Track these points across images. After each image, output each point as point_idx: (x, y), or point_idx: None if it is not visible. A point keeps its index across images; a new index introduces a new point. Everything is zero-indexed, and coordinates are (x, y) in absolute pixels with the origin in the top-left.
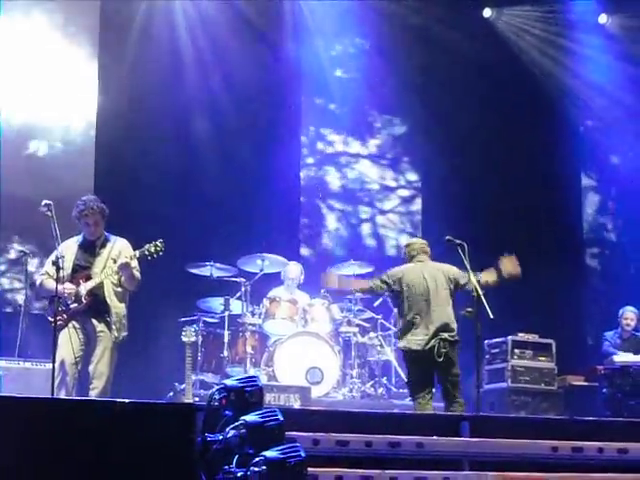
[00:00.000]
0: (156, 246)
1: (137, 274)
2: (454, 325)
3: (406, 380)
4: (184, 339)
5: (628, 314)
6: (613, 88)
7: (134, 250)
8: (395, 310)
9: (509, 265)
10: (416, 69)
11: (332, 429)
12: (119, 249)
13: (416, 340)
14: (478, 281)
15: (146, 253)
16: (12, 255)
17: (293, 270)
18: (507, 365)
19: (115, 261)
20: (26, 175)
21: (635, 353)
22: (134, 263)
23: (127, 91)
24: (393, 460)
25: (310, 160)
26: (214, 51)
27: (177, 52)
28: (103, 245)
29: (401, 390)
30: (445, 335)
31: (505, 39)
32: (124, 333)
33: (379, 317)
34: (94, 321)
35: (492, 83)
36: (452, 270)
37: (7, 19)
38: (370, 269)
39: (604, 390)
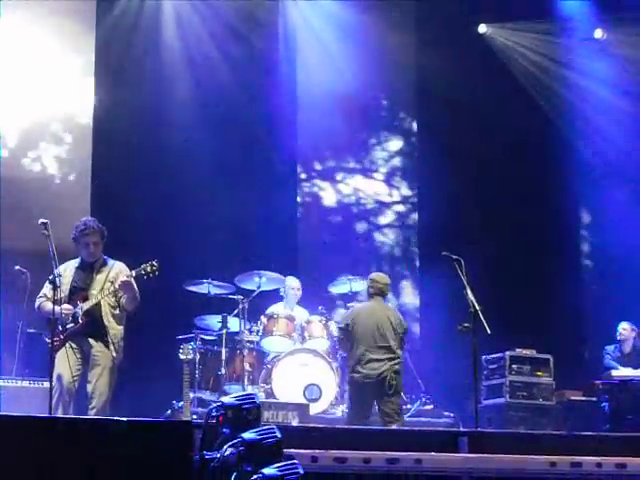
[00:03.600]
0: (152, 266)
1: (137, 295)
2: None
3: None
4: (182, 357)
5: (624, 327)
6: (610, 101)
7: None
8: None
9: None
10: (411, 85)
11: (330, 446)
12: (117, 272)
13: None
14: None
15: (142, 273)
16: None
17: (293, 282)
18: (505, 380)
19: (112, 283)
20: (22, 196)
21: (635, 367)
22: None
23: (124, 111)
24: (391, 476)
25: (304, 176)
26: (210, 69)
27: (172, 71)
28: (101, 267)
29: (408, 406)
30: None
31: (500, 54)
32: (121, 355)
33: None
34: (91, 341)
35: (488, 98)
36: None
37: None
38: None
39: (602, 405)
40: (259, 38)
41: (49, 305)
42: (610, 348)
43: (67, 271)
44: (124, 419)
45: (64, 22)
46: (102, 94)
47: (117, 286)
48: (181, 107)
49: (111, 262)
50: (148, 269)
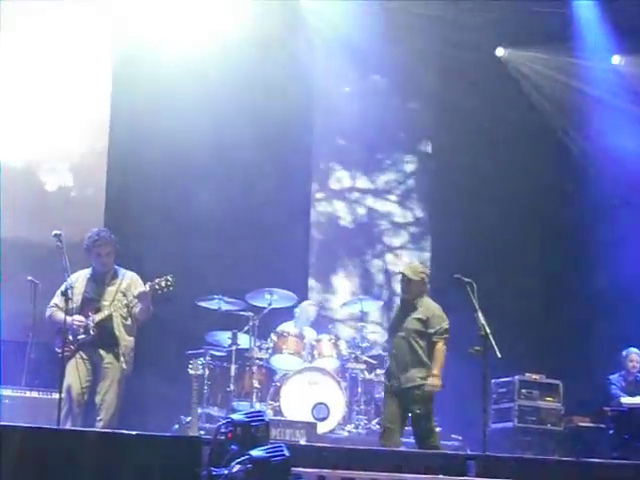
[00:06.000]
0: (167, 281)
1: (151, 306)
2: None
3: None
4: (191, 372)
5: (633, 356)
6: (624, 127)
7: (144, 283)
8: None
9: None
10: (429, 106)
11: (338, 465)
12: (128, 282)
13: None
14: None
15: (156, 287)
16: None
17: (310, 310)
18: (514, 405)
19: (124, 294)
20: (34, 209)
21: None
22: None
23: (140, 120)
24: None
25: (320, 195)
26: (229, 87)
27: (189, 88)
28: (113, 278)
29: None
30: None
31: (518, 78)
32: (131, 367)
33: (386, 354)
34: (102, 352)
35: (503, 122)
36: None
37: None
38: (380, 303)
39: (611, 432)
40: (271, 61)
41: (60, 315)
42: (614, 377)
43: (79, 282)
44: (133, 432)
45: (80, 32)
46: (118, 103)
47: (134, 296)
48: (197, 121)
49: (122, 272)
50: (163, 284)
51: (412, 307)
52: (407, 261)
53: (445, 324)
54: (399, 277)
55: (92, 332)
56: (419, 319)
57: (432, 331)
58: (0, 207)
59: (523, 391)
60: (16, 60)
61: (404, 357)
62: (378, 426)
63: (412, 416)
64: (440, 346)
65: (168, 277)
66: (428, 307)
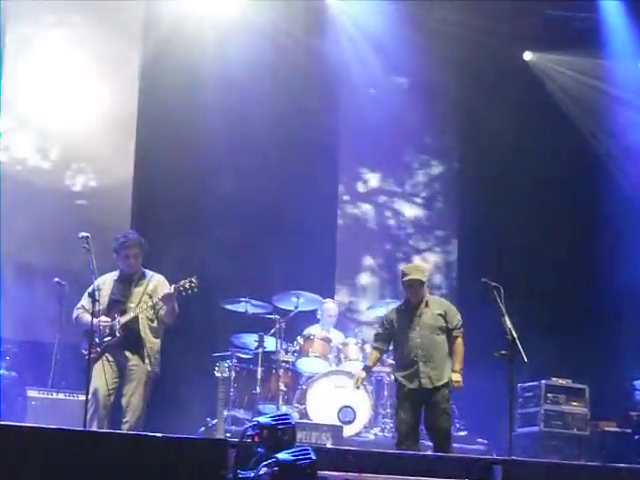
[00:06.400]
0: (191, 282)
1: (176, 308)
2: None
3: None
4: (217, 374)
5: None
6: None
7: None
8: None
9: None
10: (455, 110)
11: (364, 469)
12: (155, 284)
13: None
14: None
15: (181, 289)
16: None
17: (331, 308)
18: (540, 409)
19: (151, 296)
20: (60, 209)
21: None
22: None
23: (166, 123)
24: None
25: (347, 197)
26: (255, 89)
27: (216, 90)
28: (140, 280)
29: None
30: None
31: (545, 82)
32: (157, 369)
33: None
34: (127, 354)
35: (529, 126)
36: None
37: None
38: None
39: (637, 437)
40: (296, 63)
41: (87, 317)
42: (639, 383)
43: (106, 284)
44: (159, 435)
45: (109, 37)
46: (144, 107)
47: (158, 299)
48: (223, 123)
49: (149, 274)
50: (187, 285)
51: (422, 305)
52: (433, 264)
53: (459, 317)
54: (407, 283)
55: (118, 334)
56: (439, 314)
57: (452, 326)
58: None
59: (549, 395)
60: (43, 58)
61: (431, 355)
62: None
63: (435, 415)
64: (460, 341)
65: (192, 279)
66: (440, 302)
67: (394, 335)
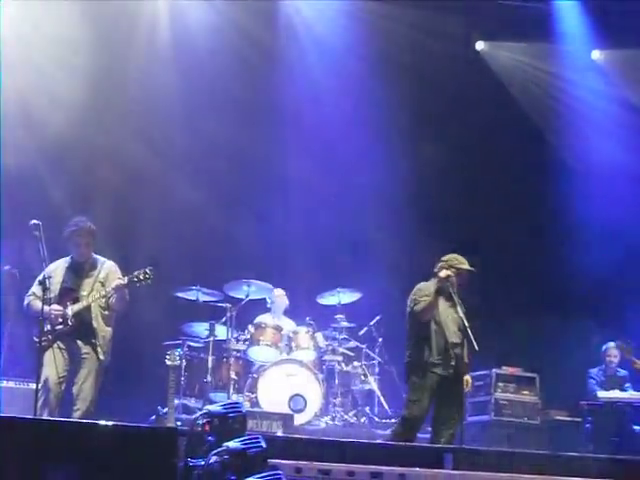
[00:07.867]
0: (145, 273)
1: (127, 296)
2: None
3: None
4: (168, 363)
5: (611, 351)
6: (606, 121)
7: (122, 274)
8: None
9: None
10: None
11: (315, 457)
12: (107, 272)
13: None
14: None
15: (134, 280)
16: None
17: (277, 290)
18: (490, 398)
19: (103, 284)
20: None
21: (620, 390)
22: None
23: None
24: None
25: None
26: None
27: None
28: (91, 267)
29: (384, 420)
30: None
31: (497, 73)
32: (108, 357)
33: (364, 346)
34: (79, 342)
35: (484, 117)
36: None
37: None
38: (358, 296)
39: (587, 425)
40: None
41: (38, 304)
42: (594, 371)
43: (57, 270)
44: (109, 423)
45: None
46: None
47: (109, 290)
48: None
49: (101, 261)
50: (141, 277)
51: (453, 293)
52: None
53: None
54: (469, 273)
55: (70, 322)
56: (460, 304)
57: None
58: None
59: (500, 384)
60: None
61: (462, 344)
62: (355, 418)
63: (456, 402)
64: None
65: (147, 270)
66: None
67: (434, 317)
